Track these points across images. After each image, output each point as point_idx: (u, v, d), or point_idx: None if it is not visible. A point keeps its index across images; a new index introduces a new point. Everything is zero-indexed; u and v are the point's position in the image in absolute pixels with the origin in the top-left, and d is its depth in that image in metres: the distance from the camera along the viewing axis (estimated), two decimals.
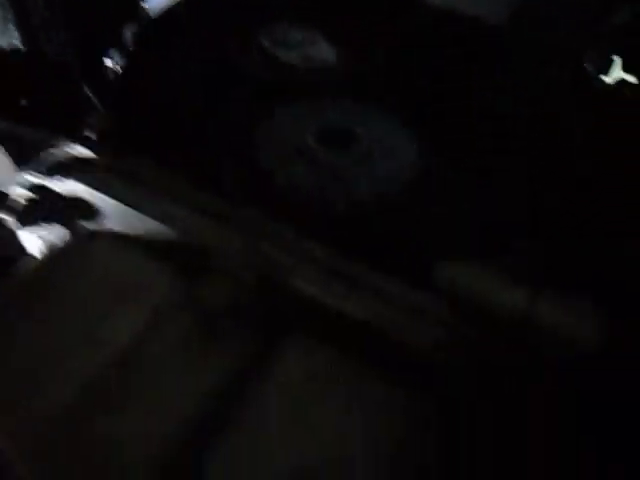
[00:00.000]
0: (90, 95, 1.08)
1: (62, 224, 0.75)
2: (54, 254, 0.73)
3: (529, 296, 0.70)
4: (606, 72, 1.12)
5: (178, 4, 1.03)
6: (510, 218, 0.76)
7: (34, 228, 0.77)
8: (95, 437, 0.57)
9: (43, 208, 0.75)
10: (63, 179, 0.73)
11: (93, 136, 0.83)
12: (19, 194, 0.76)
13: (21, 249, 0.80)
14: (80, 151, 0.76)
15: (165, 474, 0.55)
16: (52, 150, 0.77)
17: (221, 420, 0.57)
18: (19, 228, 0.76)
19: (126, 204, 0.71)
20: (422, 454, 0.58)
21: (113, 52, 1.87)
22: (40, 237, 0.78)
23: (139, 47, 1.00)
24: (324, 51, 0.98)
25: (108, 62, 1.92)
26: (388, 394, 0.61)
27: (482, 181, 0.81)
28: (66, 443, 0.57)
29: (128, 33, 1.82)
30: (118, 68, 1.90)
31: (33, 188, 0.75)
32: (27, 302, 0.67)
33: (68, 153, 0.76)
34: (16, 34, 1.61)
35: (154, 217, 0.70)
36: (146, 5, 1.95)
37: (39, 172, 0.76)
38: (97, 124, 0.86)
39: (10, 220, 0.77)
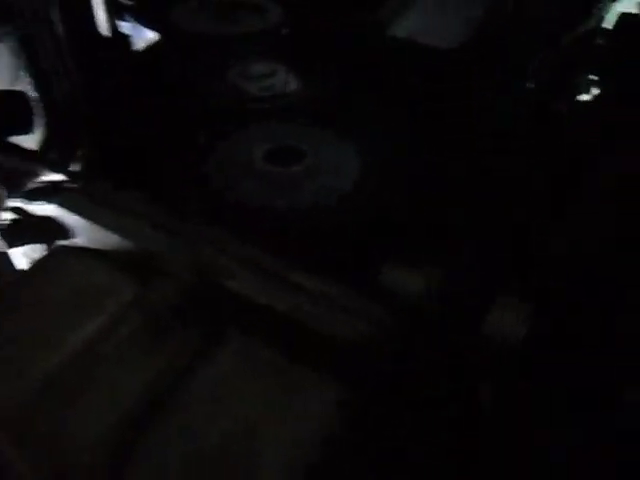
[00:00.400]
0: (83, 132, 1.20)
1: (42, 242, 0.85)
2: (32, 268, 0.83)
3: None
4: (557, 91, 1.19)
5: (157, 43, 1.15)
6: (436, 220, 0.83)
7: (20, 247, 0.88)
8: (52, 427, 0.65)
9: (26, 229, 0.85)
10: (43, 203, 0.84)
11: (68, 163, 0.94)
12: (6, 218, 0.87)
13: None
14: (55, 177, 0.86)
15: (112, 454, 0.63)
16: (33, 177, 0.88)
17: (159, 407, 0.65)
18: (7, 247, 0.86)
19: (93, 221, 0.81)
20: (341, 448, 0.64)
21: None
22: (25, 254, 0.89)
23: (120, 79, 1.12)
24: (284, 81, 1.08)
25: None
26: (315, 386, 0.68)
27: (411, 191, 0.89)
28: (33, 430, 0.66)
29: None
30: None
31: (17, 211, 0.86)
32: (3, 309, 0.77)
33: (45, 180, 0.87)
34: (27, 80, 1.77)
35: (115, 231, 0.80)
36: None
37: (22, 197, 0.87)
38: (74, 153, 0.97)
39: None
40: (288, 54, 1.16)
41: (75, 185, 0.84)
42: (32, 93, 1.84)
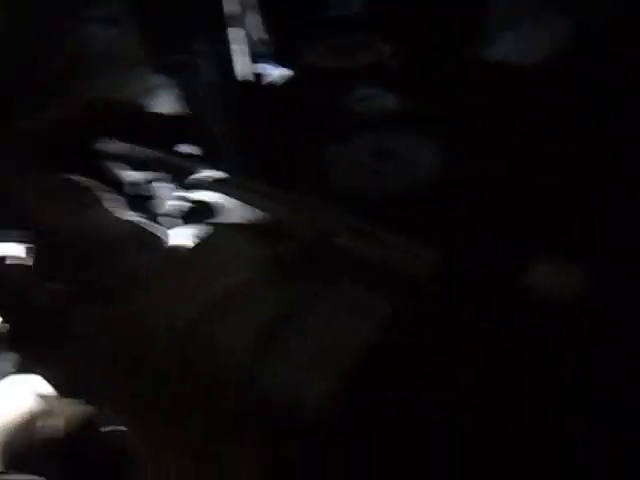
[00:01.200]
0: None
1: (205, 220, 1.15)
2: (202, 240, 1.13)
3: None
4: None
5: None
6: None
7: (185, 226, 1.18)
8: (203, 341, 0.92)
9: (192, 212, 1.16)
10: (203, 191, 1.14)
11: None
12: (175, 204, 1.18)
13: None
14: (211, 173, 1.17)
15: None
16: (195, 173, 1.18)
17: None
18: (175, 226, 1.17)
19: (240, 201, 1.09)
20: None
21: None
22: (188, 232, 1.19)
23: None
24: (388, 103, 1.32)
25: None
26: None
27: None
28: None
29: None
30: None
31: (183, 199, 1.17)
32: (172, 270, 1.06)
33: (203, 174, 1.17)
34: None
35: (257, 209, 1.07)
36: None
37: (186, 188, 1.17)
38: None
39: (165, 220, 1.18)
40: (393, 80, 1.40)
41: (223, 178, 1.13)
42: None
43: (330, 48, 1.60)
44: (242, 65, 2.35)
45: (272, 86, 1.43)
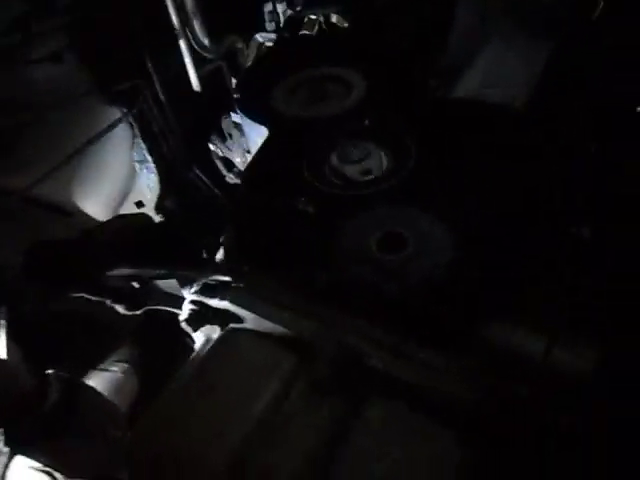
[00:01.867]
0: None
1: (218, 326, 1.15)
2: (214, 345, 1.13)
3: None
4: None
5: (270, 139, 1.39)
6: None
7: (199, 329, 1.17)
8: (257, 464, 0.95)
9: (205, 318, 1.15)
10: (216, 298, 1.13)
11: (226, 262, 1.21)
12: (189, 308, 1.17)
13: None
14: (221, 277, 1.15)
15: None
16: (205, 278, 1.16)
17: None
18: (192, 331, 1.16)
19: (257, 314, 1.09)
20: None
21: (215, 138, 2.31)
22: (203, 333, 1.18)
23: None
24: (378, 163, 1.30)
25: (211, 146, 2.36)
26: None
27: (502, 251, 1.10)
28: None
29: (224, 122, 2.25)
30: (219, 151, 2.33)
31: (196, 303, 1.16)
32: (197, 383, 1.07)
33: (214, 278, 1.15)
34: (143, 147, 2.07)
35: (275, 321, 1.07)
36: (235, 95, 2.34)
37: (199, 292, 1.16)
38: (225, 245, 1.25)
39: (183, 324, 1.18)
40: (373, 131, 1.38)
41: (238, 283, 1.12)
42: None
43: (299, 88, 1.54)
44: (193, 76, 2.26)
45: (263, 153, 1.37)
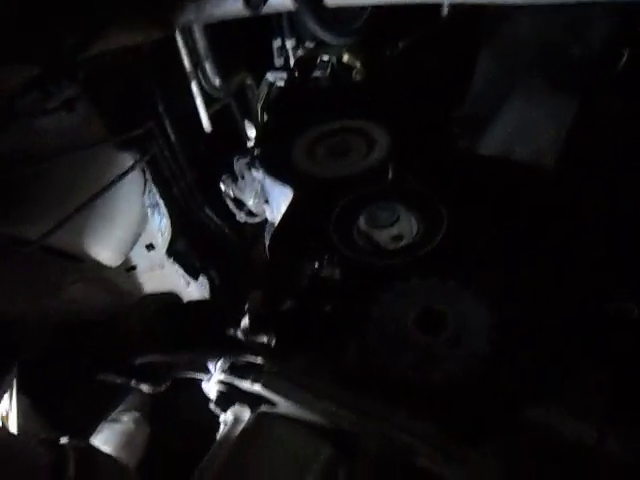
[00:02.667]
0: None
1: (248, 408, 1.08)
2: (245, 430, 1.06)
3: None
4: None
5: (295, 201, 1.33)
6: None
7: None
8: None
9: (234, 399, 1.08)
10: (247, 381, 1.06)
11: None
12: (217, 388, 1.10)
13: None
14: (252, 358, 1.08)
15: None
16: (233, 357, 1.10)
17: None
18: (220, 412, 1.09)
19: (289, 400, 1.02)
20: None
21: (226, 179, 2.25)
22: (231, 413, 1.12)
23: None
24: (408, 226, 1.24)
25: (223, 187, 2.30)
26: None
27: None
28: None
29: (237, 163, 2.19)
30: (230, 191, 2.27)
31: (225, 384, 1.09)
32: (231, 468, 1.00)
33: (244, 358, 1.09)
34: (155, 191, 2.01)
35: (310, 410, 1.01)
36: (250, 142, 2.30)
37: (228, 373, 1.09)
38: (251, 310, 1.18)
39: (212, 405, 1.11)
40: (400, 192, 1.32)
41: (270, 365, 1.05)
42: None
43: (321, 142, 1.48)
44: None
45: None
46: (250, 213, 2.35)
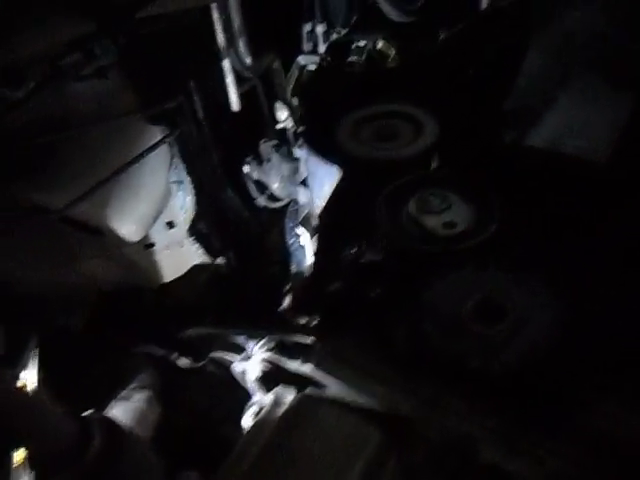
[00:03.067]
0: None
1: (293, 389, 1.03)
2: (287, 413, 1.01)
3: None
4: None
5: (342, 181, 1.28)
6: None
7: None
8: None
9: (279, 379, 1.04)
10: (293, 360, 1.02)
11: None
12: (262, 367, 1.06)
13: None
14: (301, 338, 1.04)
15: None
16: (280, 336, 1.05)
17: None
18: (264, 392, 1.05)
19: (341, 381, 0.98)
20: None
21: (251, 161, 2.21)
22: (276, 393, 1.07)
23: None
24: (461, 214, 1.20)
25: (246, 169, 2.26)
26: None
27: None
28: None
29: (263, 146, 2.14)
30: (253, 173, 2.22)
31: (270, 363, 1.04)
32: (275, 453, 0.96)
33: (293, 338, 1.04)
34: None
35: (361, 391, 0.96)
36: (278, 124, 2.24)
37: (272, 351, 1.04)
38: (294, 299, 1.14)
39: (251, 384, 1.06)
40: (452, 180, 1.28)
41: (324, 346, 1.01)
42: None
43: (367, 124, 1.43)
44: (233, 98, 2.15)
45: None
46: (272, 197, 2.30)
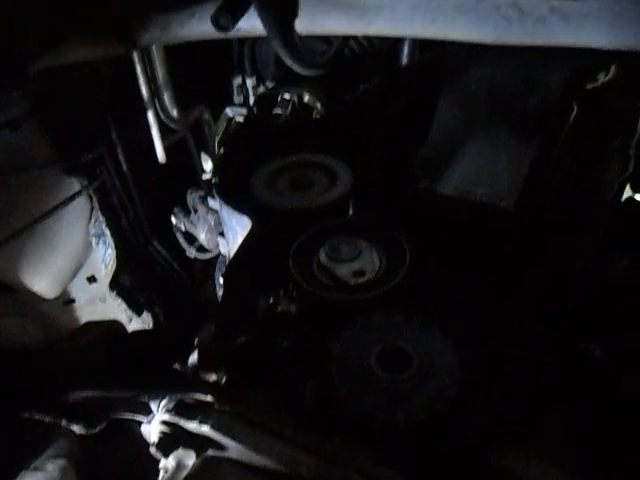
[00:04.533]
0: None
1: (194, 452, 0.96)
2: (192, 478, 0.94)
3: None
4: None
5: (253, 232, 1.25)
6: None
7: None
8: None
9: (179, 442, 0.96)
10: (194, 422, 0.95)
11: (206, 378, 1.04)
12: (160, 429, 0.98)
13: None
14: (200, 396, 0.97)
15: None
16: (180, 394, 0.98)
17: None
18: (162, 456, 0.97)
19: (240, 443, 0.92)
20: None
21: (178, 212, 2.15)
22: (177, 457, 0.99)
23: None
24: (371, 261, 1.19)
25: (174, 220, 2.20)
26: None
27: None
28: None
29: (190, 197, 2.10)
30: (181, 225, 2.17)
31: (169, 425, 0.97)
32: None
33: (192, 397, 0.98)
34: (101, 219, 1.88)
35: (265, 454, 0.90)
36: (205, 175, 2.22)
37: (171, 412, 0.97)
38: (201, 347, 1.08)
39: (152, 449, 0.98)
40: (362, 227, 1.27)
41: (222, 405, 0.95)
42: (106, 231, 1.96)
43: (283, 174, 1.43)
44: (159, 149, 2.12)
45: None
46: (201, 248, 2.25)
